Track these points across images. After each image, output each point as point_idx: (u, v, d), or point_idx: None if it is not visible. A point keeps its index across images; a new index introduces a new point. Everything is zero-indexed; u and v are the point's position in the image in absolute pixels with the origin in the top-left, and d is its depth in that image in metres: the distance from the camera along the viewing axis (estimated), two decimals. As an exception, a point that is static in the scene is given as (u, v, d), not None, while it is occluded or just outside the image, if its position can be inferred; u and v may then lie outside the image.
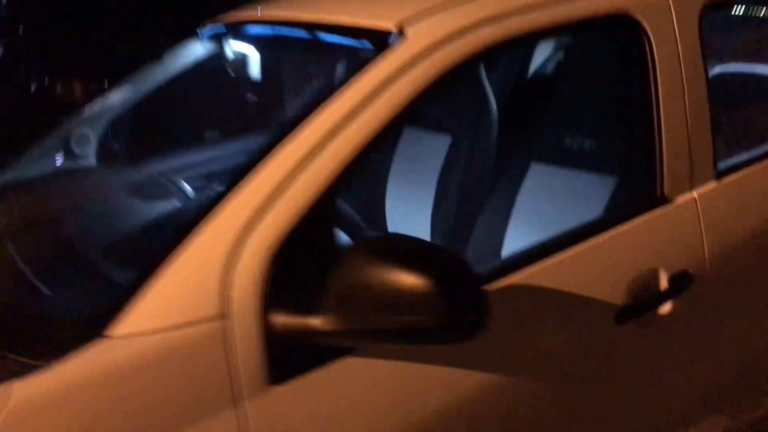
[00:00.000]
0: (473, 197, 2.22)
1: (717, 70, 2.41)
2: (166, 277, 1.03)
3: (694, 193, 1.56)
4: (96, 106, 2.22)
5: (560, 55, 2.00)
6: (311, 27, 1.57)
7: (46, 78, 4.57)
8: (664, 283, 1.46)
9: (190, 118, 2.25)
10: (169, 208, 1.46)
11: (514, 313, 1.28)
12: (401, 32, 1.32)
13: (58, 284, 1.26)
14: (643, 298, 1.43)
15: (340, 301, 1.01)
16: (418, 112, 1.82)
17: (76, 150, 2.13)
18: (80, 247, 1.38)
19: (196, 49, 2.05)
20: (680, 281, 1.48)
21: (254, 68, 1.93)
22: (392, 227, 2.51)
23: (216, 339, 1.02)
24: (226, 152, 2.13)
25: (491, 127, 2.29)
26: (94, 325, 1.01)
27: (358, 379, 1.11)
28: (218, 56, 1.95)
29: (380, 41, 1.32)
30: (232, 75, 2.01)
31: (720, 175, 1.62)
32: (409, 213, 2.47)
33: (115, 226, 1.46)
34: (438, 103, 2.61)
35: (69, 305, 1.17)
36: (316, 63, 1.99)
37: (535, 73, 2.19)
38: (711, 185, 1.59)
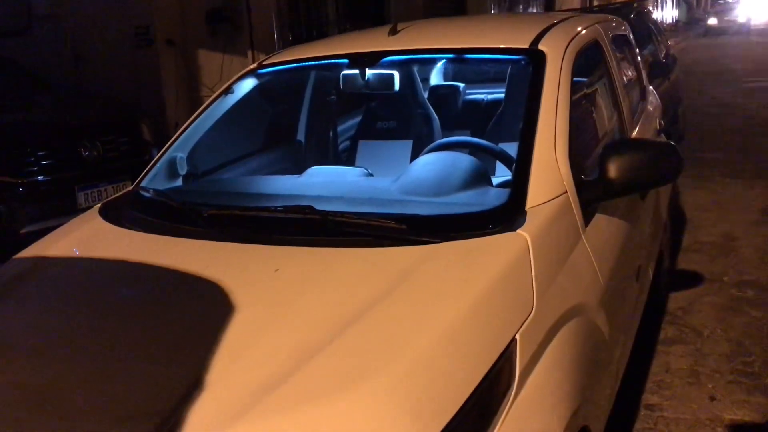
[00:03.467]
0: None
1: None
2: (533, 180, 1.91)
3: (633, 133, 2.87)
4: (184, 134, 2.69)
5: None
6: (459, 51, 2.48)
7: None
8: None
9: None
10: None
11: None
12: (533, 47, 2.33)
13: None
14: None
15: (614, 173, 2.01)
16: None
17: (180, 171, 2.61)
18: None
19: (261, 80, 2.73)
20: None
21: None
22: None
23: (567, 203, 1.93)
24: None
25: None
26: (519, 206, 1.84)
27: (602, 225, 2.12)
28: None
29: (530, 54, 2.31)
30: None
31: (634, 125, 2.97)
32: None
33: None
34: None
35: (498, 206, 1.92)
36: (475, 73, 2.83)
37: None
38: (635, 129, 2.93)
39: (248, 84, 2.81)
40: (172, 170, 2.58)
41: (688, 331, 3.61)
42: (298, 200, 2.09)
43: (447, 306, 1.50)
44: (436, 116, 3.41)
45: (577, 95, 2.56)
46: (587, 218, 2.03)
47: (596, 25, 2.86)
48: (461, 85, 3.75)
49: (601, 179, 2.02)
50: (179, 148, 2.63)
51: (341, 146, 3.61)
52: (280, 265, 1.72)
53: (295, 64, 2.76)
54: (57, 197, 4.46)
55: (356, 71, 2.61)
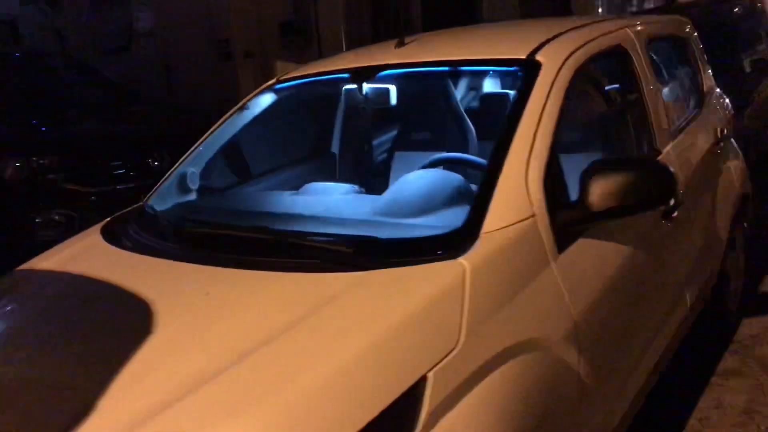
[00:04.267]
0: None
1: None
2: (496, 201, 1.78)
3: (669, 147, 2.61)
4: (198, 149, 2.74)
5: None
6: (455, 63, 2.37)
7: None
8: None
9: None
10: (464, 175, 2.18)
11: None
12: (530, 58, 2.17)
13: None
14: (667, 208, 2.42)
15: (595, 196, 1.83)
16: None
17: (191, 186, 2.65)
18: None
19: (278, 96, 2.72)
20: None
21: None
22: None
23: (532, 228, 1.78)
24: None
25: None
26: (473, 230, 1.72)
27: (587, 251, 1.94)
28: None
29: (525, 65, 2.16)
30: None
31: (674, 137, 2.71)
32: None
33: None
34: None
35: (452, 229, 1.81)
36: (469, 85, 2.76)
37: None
38: (672, 143, 2.67)
39: (266, 100, 2.83)
40: (183, 186, 2.64)
41: (752, 364, 3.24)
42: (277, 219, 2.08)
43: (350, 339, 1.42)
44: (472, 127, 3.28)
45: (584, 106, 2.38)
46: (565, 243, 1.86)
47: (625, 29, 2.64)
48: (512, 92, 3.59)
49: (579, 202, 1.85)
50: (192, 163, 2.69)
51: (380, 157, 3.57)
52: (218, 287, 1.71)
53: (312, 78, 2.75)
54: (126, 206, 4.70)
55: (355, 86, 2.56)
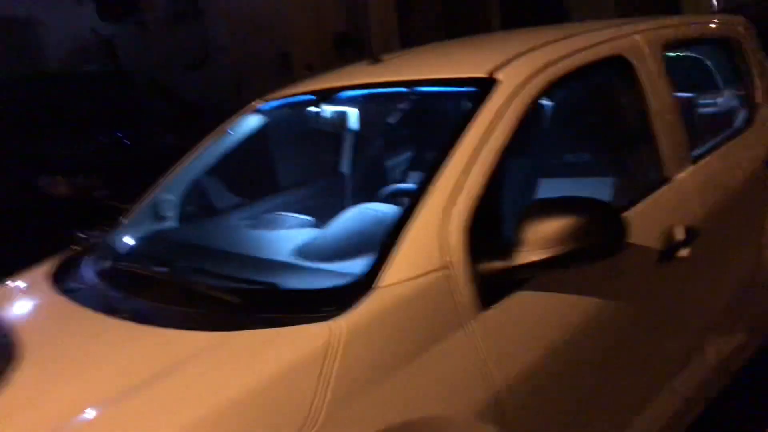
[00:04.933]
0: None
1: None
2: (404, 248, 1.52)
3: (684, 174, 2.22)
4: (174, 175, 2.63)
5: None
6: (412, 84, 2.13)
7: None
8: (680, 235, 2.08)
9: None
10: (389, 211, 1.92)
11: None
12: (491, 77, 1.89)
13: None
14: (670, 245, 2.03)
15: (529, 243, 1.54)
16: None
17: (166, 213, 2.54)
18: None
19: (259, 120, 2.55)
20: (690, 234, 2.11)
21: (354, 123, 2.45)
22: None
23: (444, 281, 1.51)
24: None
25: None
26: (369, 282, 1.47)
27: (527, 305, 1.63)
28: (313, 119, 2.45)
29: (480, 84, 1.88)
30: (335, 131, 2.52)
31: (695, 160, 2.30)
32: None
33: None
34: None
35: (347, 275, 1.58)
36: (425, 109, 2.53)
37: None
38: (690, 168, 2.26)
39: (252, 122, 2.70)
40: (156, 213, 2.55)
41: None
42: (201, 254, 1.93)
43: (176, 417, 1.24)
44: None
45: (562, 129, 2.06)
46: (496, 295, 1.58)
47: (633, 36, 2.27)
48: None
49: (508, 250, 1.56)
50: (169, 189, 2.60)
51: (393, 176, 3.35)
52: (78, 340, 1.59)
53: (282, 101, 2.58)
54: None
55: (319, 109, 2.37)
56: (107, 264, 1.98)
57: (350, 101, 2.37)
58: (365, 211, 2.00)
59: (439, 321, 1.49)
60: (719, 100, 2.87)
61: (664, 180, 2.16)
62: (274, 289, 1.61)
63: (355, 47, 6.05)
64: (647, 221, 2.01)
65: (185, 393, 1.30)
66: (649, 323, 2.00)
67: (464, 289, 1.53)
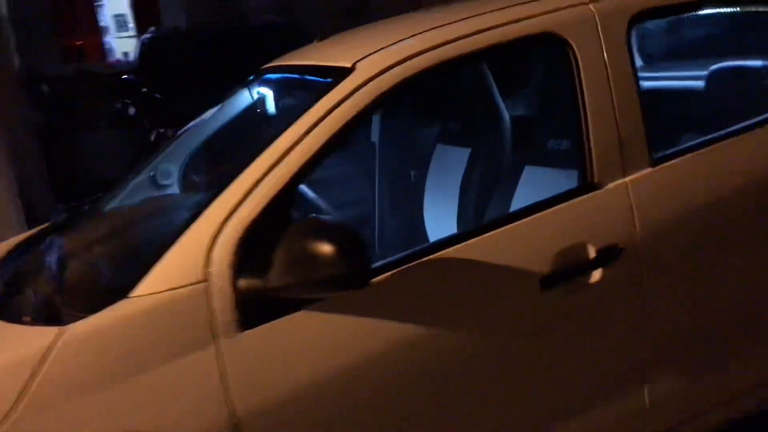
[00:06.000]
0: (485, 199, 2.57)
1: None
2: (169, 257, 1.49)
3: (627, 179, 1.82)
4: (174, 145, 2.76)
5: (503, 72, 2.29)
6: (304, 70, 2.01)
7: (162, 129, 5.47)
8: (591, 254, 1.73)
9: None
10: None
11: (441, 284, 1.62)
12: (353, 68, 1.72)
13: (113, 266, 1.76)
14: (568, 268, 1.71)
15: (282, 265, 1.42)
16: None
17: (163, 182, 2.68)
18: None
19: (245, 95, 2.54)
20: (608, 253, 1.74)
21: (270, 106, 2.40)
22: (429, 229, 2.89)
23: (200, 297, 1.45)
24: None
25: (503, 137, 2.63)
26: (124, 290, 1.48)
27: (305, 329, 1.50)
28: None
29: (340, 76, 1.72)
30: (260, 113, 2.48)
31: (656, 162, 1.86)
32: (440, 216, 2.84)
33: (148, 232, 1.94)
34: (459, 120, 2.98)
35: (115, 279, 1.63)
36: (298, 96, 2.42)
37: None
38: (645, 172, 1.84)
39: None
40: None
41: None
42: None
43: None
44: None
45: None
46: (264, 316, 1.48)
47: (581, 6, 1.87)
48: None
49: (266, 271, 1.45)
50: (167, 159, 2.74)
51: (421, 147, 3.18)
52: None
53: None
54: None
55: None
56: None
57: (264, 83, 2.29)
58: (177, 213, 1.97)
59: (188, 337, 1.45)
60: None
61: (590, 187, 1.80)
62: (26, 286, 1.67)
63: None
64: (533, 237, 1.71)
65: None
66: (526, 359, 1.72)
67: (224, 307, 1.46)
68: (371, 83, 1.65)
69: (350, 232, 1.41)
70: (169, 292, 1.46)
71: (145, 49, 7.21)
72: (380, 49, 1.76)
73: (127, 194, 2.45)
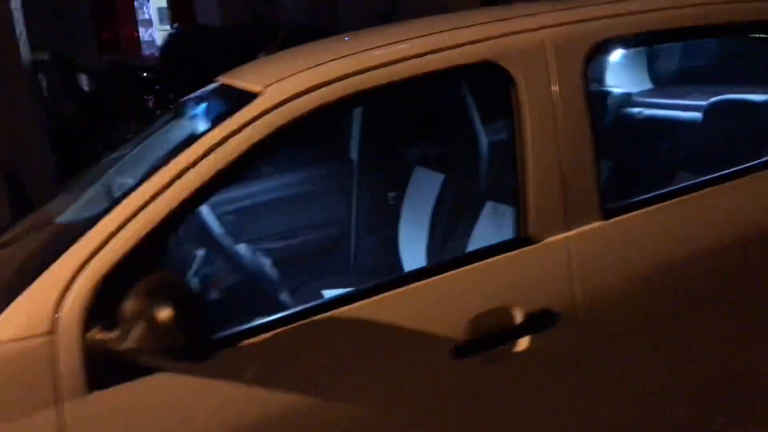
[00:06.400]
0: (450, 231, 2.38)
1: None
2: (17, 304, 1.33)
3: (569, 234, 1.58)
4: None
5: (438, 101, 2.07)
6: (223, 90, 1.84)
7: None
8: (518, 319, 1.51)
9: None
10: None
11: (336, 345, 1.42)
12: (262, 92, 1.53)
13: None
14: (488, 334, 1.48)
15: (125, 325, 1.24)
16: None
17: None
18: None
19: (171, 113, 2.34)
20: (539, 319, 1.51)
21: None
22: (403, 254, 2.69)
23: (43, 350, 1.28)
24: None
25: (474, 167, 2.42)
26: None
27: (163, 393, 1.32)
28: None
29: (248, 100, 1.53)
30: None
31: (609, 215, 1.62)
32: (414, 240, 2.64)
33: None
34: (437, 144, 2.78)
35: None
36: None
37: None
38: (594, 225, 1.60)
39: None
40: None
41: None
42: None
43: None
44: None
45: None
46: (120, 375, 1.31)
47: (531, 33, 1.64)
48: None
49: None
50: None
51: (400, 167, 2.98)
52: None
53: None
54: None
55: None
56: None
57: (192, 101, 2.12)
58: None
59: (24, 396, 1.28)
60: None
61: (523, 241, 1.57)
62: None
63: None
64: (449, 298, 1.49)
65: None
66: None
67: (67, 364, 1.29)
68: (275, 111, 1.46)
69: (190, 296, 1.23)
70: (8, 344, 1.29)
71: (165, 45, 7.16)
72: (297, 73, 1.57)
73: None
